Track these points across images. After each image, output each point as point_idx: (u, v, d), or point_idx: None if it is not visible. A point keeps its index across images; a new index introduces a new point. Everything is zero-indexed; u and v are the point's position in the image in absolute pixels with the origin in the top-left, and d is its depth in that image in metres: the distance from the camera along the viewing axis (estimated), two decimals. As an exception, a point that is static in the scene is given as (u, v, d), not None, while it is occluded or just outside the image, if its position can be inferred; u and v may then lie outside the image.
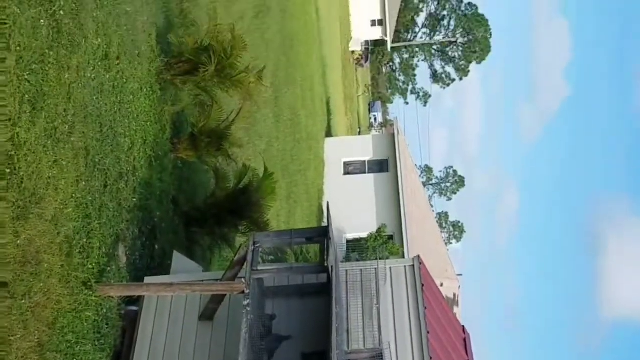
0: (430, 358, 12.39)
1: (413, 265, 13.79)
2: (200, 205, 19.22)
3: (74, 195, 11.56)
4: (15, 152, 9.72)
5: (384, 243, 36.17)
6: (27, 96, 10.11)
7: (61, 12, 11.32)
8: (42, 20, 10.66)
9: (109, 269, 12.93)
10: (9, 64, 9.60)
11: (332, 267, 12.37)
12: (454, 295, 41.49)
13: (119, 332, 13.37)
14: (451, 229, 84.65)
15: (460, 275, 48.05)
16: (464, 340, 14.80)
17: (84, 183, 11.99)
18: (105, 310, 12.56)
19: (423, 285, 13.35)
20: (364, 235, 37.83)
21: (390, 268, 13.86)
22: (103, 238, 12.80)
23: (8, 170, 9.51)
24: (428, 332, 12.75)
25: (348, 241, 39.35)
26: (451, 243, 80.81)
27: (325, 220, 18.66)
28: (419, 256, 14.00)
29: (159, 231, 16.60)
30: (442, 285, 33.93)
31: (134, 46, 15.09)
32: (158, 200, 16.61)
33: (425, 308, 13.05)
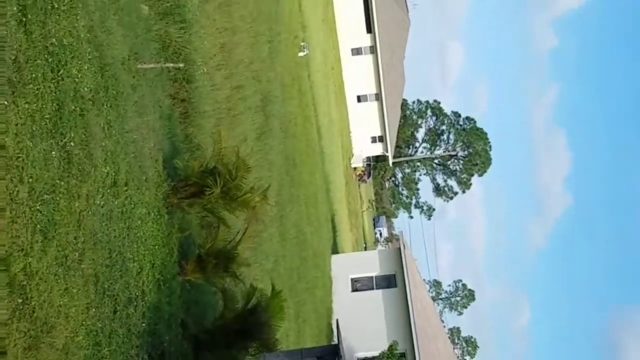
0: None
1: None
2: (209, 327, 19.10)
3: (84, 322, 11.56)
4: (28, 282, 9.81)
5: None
6: (38, 226, 10.30)
7: (71, 144, 11.67)
8: (53, 152, 10.98)
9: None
10: (22, 196, 9.85)
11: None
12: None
13: None
14: (464, 344, 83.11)
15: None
16: None
17: (93, 310, 12.01)
18: None
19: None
20: (376, 354, 37.24)
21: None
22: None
23: (20, 300, 9.57)
24: None
25: (359, 360, 38.71)
26: (465, 359, 79.19)
27: (335, 338, 18.46)
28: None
29: (168, 356, 16.43)
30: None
31: (142, 172, 15.43)
32: (167, 324, 16.53)
33: None
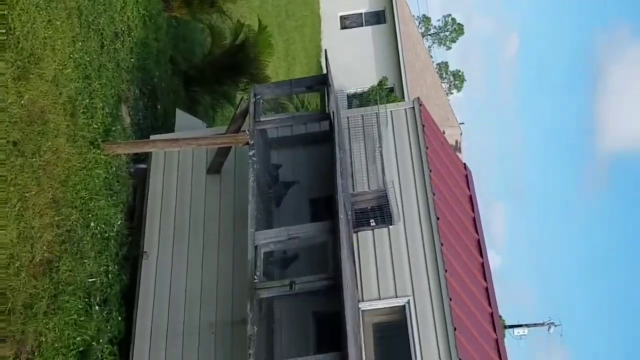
0: (434, 194, 12.77)
1: (413, 107, 13.95)
2: (198, 63, 19.21)
3: (71, 55, 11.58)
4: (9, 12, 9.68)
5: (385, 95, 36.18)
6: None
7: None
8: None
9: (113, 128, 13.10)
10: None
11: (333, 113, 12.53)
12: (456, 142, 41.94)
13: (130, 189, 13.73)
14: (451, 78, 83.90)
15: (462, 123, 48.33)
16: (466, 176, 15.17)
17: (80, 43, 11.97)
18: (114, 169, 12.86)
19: (424, 125, 13.55)
20: (365, 88, 37.80)
21: (391, 112, 14.03)
22: (105, 98, 12.91)
23: (3, 31, 9.50)
24: (430, 171, 13.07)
25: (349, 96, 39.34)
26: (452, 93, 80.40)
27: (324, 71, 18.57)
28: (418, 98, 14.14)
29: (159, 91, 16.69)
30: (443, 132, 34.12)
31: None
32: (155, 60, 16.60)
33: (427, 148, 13.30)
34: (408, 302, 11.98)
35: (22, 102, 9.81)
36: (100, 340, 11.37)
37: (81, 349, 10.77)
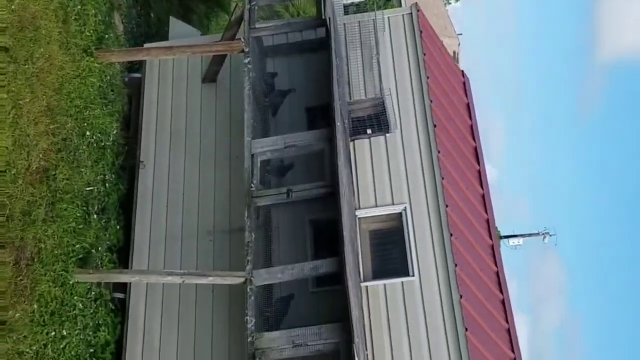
0: (431, 101, 12.67)
1: (411, 14, 13.69)
2: (192, -30, 18.76)
3: (61, -41, 11.28)
4: None
5: (383, 4, 35.51)
6: None
7: None
8: None
9: (107, 36, 12.90)
10: None
11: (329, 19, 12.30)
12: (454, 52, 41.49)
13: (125, 98, 13.62)
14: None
15: (461, 34, 47.73)
16: (464, 84, 15.04)
17: None
18: (108, 77, 12.71)
19: (421, 32, 13.33)
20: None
21: (389, 18, 13.78)
22: (97, 5, 12.66)
23: None
24: (428, 78, 12.93)
25: (345, 5, 38.56)
26: (450, 3, 78.97)
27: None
28: (416, 3, 13.86)
29: (152, -1, 16.38)
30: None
31: None
32: (148, -34, 16.22)
33: (425, 54, 13.13)
34: (404, 210, 12.04)
35: (13, 6, 9.62)
36: (99, 248, 11.49)
37: (80, 256, 10.88)
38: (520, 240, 32.57)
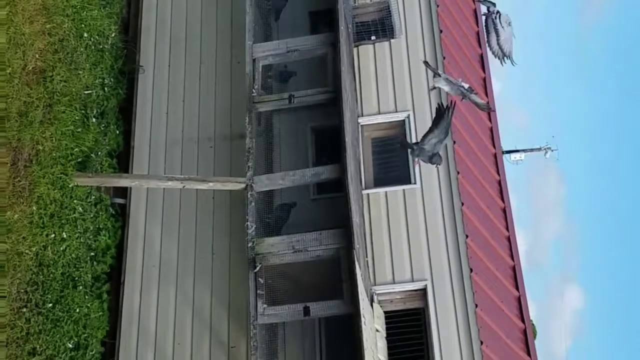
0: (437, 6, 12.34)
1: None
2: None
3: None
4: None
5: None
6: None
7: None
8: None
9: None
10: None
11: None
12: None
13: (124, 1, 13.26)
14: None
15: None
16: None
17: None
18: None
19: None
20: None
21: None
22: None
23: None
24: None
25: None
26: None
27: None
28: None
29: None
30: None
31: None
32: None
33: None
34: (408, 117, 11.88)
35: None
36: (99, 153, 11.37)
37: (79, 160, 10.77)
38: (522, 155, 32.40)
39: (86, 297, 10.33)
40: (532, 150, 31.81)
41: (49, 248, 9.72)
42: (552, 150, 31.23)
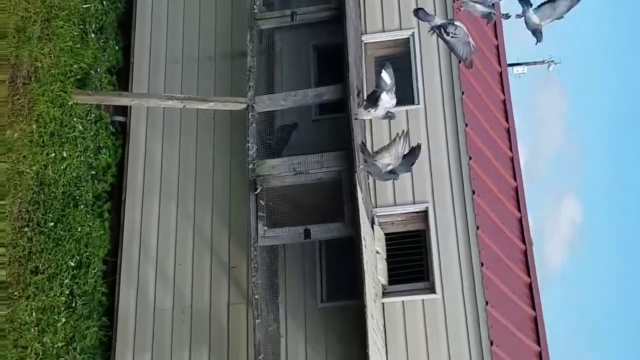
0: None
1: None
2: None
3: None
4: None
5: None
6: None
7: None
8: None
9: None
10: None
11: None
12: None
13: None
14: None
15: None
16: None
17: None
18: None
19: None
20: None
21: None
22: None
23: None
24: None
25: None
26: None
27: None
28: None
29: None
30: None
31: None
32: None
33: None
34: (412, 35, 11.62)
35: None
36: (98, 69, 11.19)
37: (79, 77, 10.62)
38: (525, 68, 32.07)
39: (87, 215, 10.34)
40: (535, 63, 31.38)
41: (50, 167, 9.67)
42: (556, 64, 30.87)
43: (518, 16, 8.67)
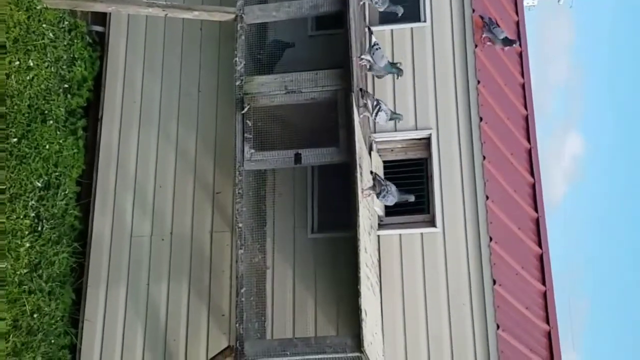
0: None
1: None
2: None
3: None
4: None
5: None
6: None
7: None
8: None
9: None
10: None
11: None
12: None
13: None
14: None
15: None
16: None
17: None
18: None
19: None
20: None
21: None
22: None
23: None
24: None
25: None
26: None
27: None
28: None
29: None
30: None
31: None
32: None
33: None
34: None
35: None
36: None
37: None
38: (535, 0, 31.20)
39: (58, 132, 9.44)
40: (546, -5, 30.52)
41: (13, 76, 8.71)
42: (566, -4, 30.12)
43: None
